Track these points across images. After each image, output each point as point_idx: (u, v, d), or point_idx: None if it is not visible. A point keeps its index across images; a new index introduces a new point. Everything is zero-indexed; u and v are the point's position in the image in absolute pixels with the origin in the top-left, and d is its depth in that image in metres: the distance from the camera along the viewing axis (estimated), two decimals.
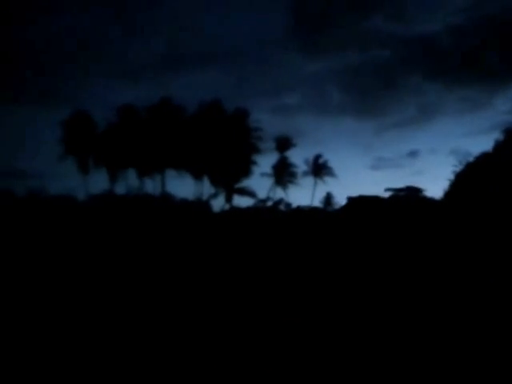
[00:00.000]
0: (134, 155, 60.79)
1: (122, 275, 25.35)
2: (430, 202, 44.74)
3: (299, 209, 59.81)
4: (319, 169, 65.44)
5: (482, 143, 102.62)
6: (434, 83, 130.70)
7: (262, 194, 63.95)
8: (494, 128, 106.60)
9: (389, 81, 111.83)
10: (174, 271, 27.24)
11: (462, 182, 39.85)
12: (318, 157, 65.96)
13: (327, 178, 65.64)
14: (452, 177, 44.08)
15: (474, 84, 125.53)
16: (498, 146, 41.13)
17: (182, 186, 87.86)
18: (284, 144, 65.60)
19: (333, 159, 67.53)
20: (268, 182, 64.61)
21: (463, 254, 27.21)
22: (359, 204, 46.14)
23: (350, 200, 48.70)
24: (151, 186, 61.44)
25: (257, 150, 64.03)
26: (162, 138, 60.94)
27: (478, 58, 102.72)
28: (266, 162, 65.05)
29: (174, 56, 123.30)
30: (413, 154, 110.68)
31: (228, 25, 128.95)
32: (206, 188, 62.41)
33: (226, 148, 61.87)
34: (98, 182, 62.96)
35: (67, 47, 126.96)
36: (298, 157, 70.35)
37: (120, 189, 61.24)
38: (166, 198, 56.52)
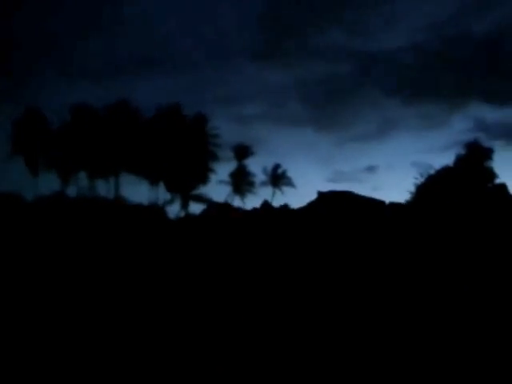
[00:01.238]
0: (86, 157, 58.33)
1: (66, 278, 23.95)
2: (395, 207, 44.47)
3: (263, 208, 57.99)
4: (278, 178, 64.56)
5: (440, 160, 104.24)
6: (394, 99, 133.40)
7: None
8: (451, 146, 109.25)
9: (349, 94, 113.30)
10: (123, 275, 26.01)
11: (423, 194, 39.91)
12: (276, 166, 65.10)
13: (285, 188, 64.84)
14: (413, 189, 44.53)
15: (433, 102, 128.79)
16: (460, 159, 41.59)
17: (138, 193, 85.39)
18: (243, 152, 64.56)
19: (291, 170, 66.55)
20: (226, 190, 63.41)
21: (434, 262, 26.91)
22: (330, 199, 45.56)
23: (320, 195, 48.04)
24: (104, 188, 59.14)
25: (215, 158, 62.85)
26: (116, 140, 58.84)
27: (437, 76, 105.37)
28: (223, 170, 63.86)
29: (134, 59, 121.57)
30: (371, 168, 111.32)
31: (191, 31, 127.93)
32: (162, 194, 60.71)
33: (183, 153, 60.38)
34: (50, 183, 59.78)
35: (26, 46, 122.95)
36: (257, 166, 69.20)
37: (72, 192, 58.65)
38: (118, 200, 54.26)
